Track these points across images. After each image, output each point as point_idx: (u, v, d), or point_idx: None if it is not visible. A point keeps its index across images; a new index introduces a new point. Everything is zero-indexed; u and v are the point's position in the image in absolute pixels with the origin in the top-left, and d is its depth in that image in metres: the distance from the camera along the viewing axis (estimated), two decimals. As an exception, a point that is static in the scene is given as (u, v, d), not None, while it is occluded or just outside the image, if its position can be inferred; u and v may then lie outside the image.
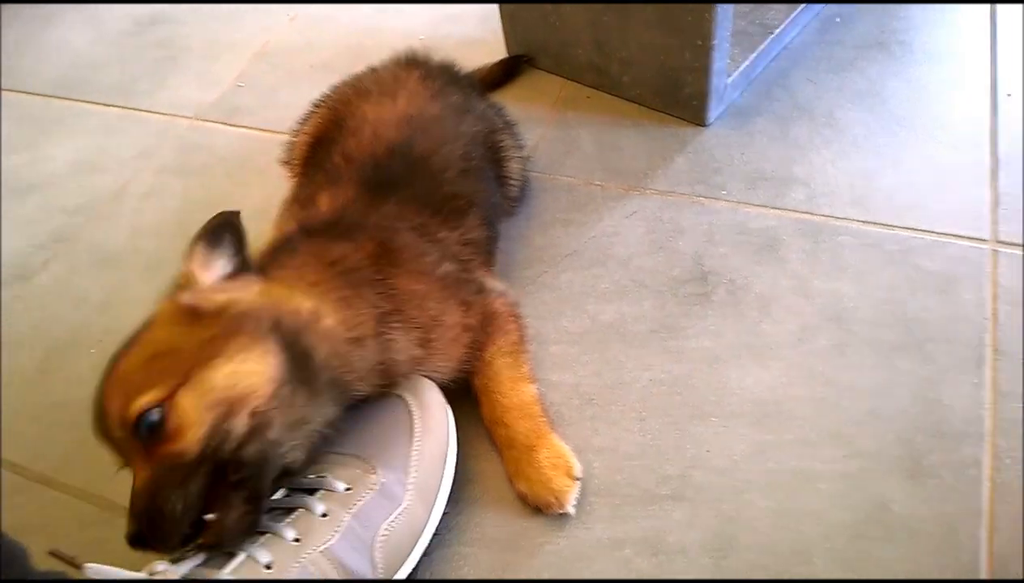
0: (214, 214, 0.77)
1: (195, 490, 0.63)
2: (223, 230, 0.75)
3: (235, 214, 0.77)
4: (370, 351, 0.77)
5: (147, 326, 0.71)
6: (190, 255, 0.74)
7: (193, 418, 0.64)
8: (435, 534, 0.78)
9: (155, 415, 0.63)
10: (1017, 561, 0.73)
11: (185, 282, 0.73)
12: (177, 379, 0.65)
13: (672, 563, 0.76)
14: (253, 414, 0.66)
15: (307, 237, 0.84)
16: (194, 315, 0.69)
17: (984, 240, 0.99)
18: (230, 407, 0.65)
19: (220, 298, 0.71)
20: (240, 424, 0.66)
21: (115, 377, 0.67)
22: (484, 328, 0.88)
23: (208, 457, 0.64)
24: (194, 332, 0.68)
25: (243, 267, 0.75)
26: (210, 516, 0.64)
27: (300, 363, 0.70)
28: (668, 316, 0.96)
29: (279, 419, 0.68)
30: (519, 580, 0.77)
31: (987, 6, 1.30)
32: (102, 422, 0.67)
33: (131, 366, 0.67)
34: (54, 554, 0.63)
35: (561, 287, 1.02)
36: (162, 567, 0.63)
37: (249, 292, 0.73)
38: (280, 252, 0.83)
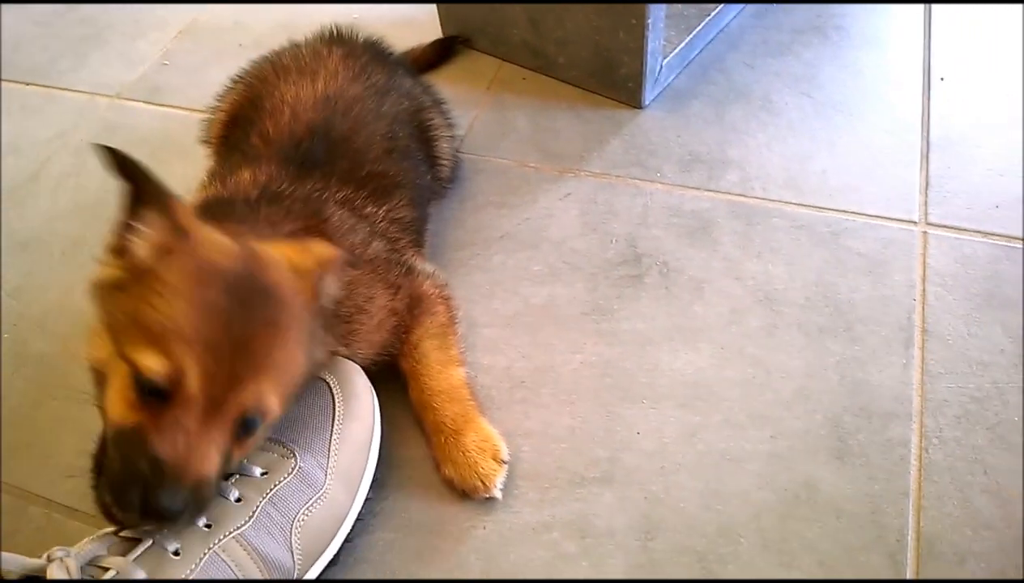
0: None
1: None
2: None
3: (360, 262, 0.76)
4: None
5: (299, 308, 0.66)
6: (329, 276, 0.70)
7: (261, 438, 0.67)
8: (359, 520, 0.75)
9: (259, 423, 0.64)
10: (944, 542, 0.73)
11: (314, 288, 0.68)
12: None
13: (600, 547, 0.75)
14: None
15: (251, 209, 0.79)
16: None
17: (915, 222, 1.00)
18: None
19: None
20: None
21: (279, 353, 0.63)
22: (411, 310, 0.85)
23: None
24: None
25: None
26: None
27: None
28: (601, 298, 0.95)
29: None
30: (499, 580, 0.75)
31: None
32: (230, 359, 0.59)
33: (288, 359, 0.64)
34: None
35: (493, 269, 1.00)
36: (61, 553, 0.59)
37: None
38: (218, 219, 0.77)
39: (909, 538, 0.74)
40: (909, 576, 0.72)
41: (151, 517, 0.58)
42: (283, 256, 0.67)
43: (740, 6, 1.30)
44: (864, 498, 0.77)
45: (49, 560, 0.58)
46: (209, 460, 0.60)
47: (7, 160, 1.27)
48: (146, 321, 0.59)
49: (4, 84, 1.43)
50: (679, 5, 1.23)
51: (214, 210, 0.78)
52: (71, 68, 1.44)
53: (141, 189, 0.64)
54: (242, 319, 0.60)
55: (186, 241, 0.63)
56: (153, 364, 0.58)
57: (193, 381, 0.58)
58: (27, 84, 1.42)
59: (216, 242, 0.65)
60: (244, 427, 0.62)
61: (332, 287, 0.70)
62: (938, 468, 0.79)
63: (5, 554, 0.58)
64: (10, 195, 1.20)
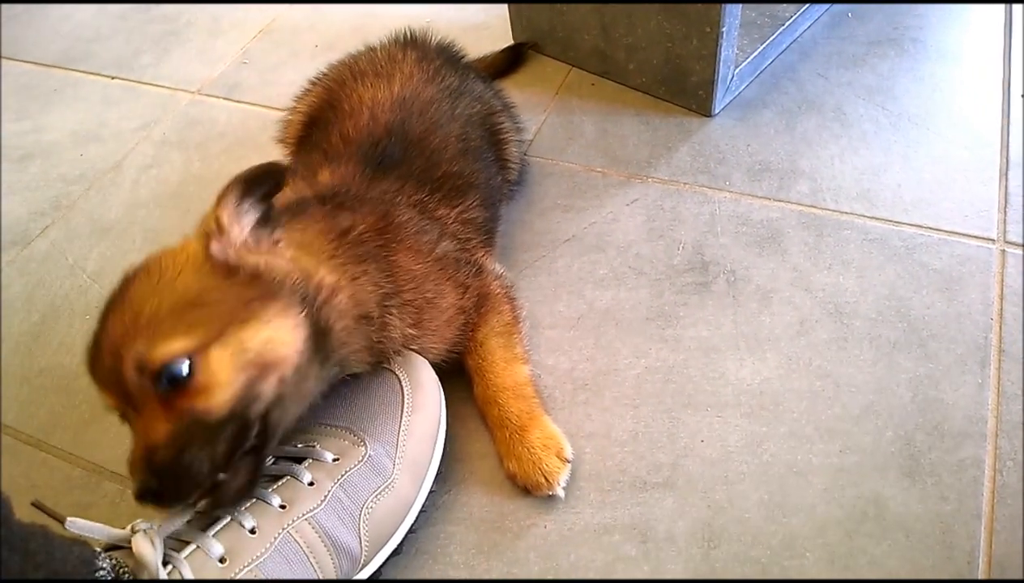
0: (257, 164, 0.71)
1: (222, 450, 0.62)
2: (261, 181, 0.70)
3: (280, 167, 0.72)
4: (371, 330, 0.76)
5: (169, 267, 0.66)
6: (222, 202, 0.68)
7: (225, 377, 0.62)
8: (421, 511, 0.76)
9: (183, 367, 0.60)
10: (1016, 565, 0.71)
11: (212, 229, 0.68)
12: (210, 334, 0.62)
13: (660, 552, 0.75)
14: (280, 381, 0.65)
15: (316, 203, 0.82)
16: (228, 271, 0.66)
17: (992, 240, 0.97)
18: (261, 371, 0.64)
19: (256, 260, 0.68)
20: (269, 389, 0.64)
21: (133, 317, 0.62)
22: (478, 308, 0.87)
23: (235, 418, 0.62)
24: (230, 289, 0.65)
25: (268, 221, 0.71)
26: (222, 476, 0.63)
27: (319, 337, 0.69)
28: (665, 304, 0.95)
29: (298, 388, 0.67)
30: (517, 581, 0.75)
31: (1002, 5, 1.28)
32: (104, 361, 0.62)
33: (155, 309, 0.62)
34: (36, 506, 0.62)
35: (559, 272, 1.00)
36: (144, 526, 0.62)
37: (283, 259, 0.70)
38: (292, 214, 0.80)
39: (980, 561, 0.72)
40: (981, 600, 0.70)
41: (143, 501, 0.60)
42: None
43: (814, 16, 1.29)
44: (934, 518, 0.75)
45: (133, 531, 0.61)
46: (148, 432, 0.61)
47: (90, 148, 1.33)
48: None
49: (88, 76, 1.50)
50: (752, 14, 1.22)
51: (291, 211, 0.81)
52: (152, 63, 1.50)
53: None
54: (102, 323, 0.64)
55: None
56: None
57: (106, 400, 0.64)
58: (110, 77, 1.49)
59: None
60: (168, 382, 0.60)
61: (235, 219, 0.69)
62: (1012, 491, 0.76)
63: (91, 523, 0.61)
64: (94, 182, 1.26)
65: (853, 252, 0.97)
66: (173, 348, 0.60)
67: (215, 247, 0.67)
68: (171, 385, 0.60)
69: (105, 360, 0.62)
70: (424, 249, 0.84)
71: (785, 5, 1.24)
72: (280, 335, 0.65)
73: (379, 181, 0.88)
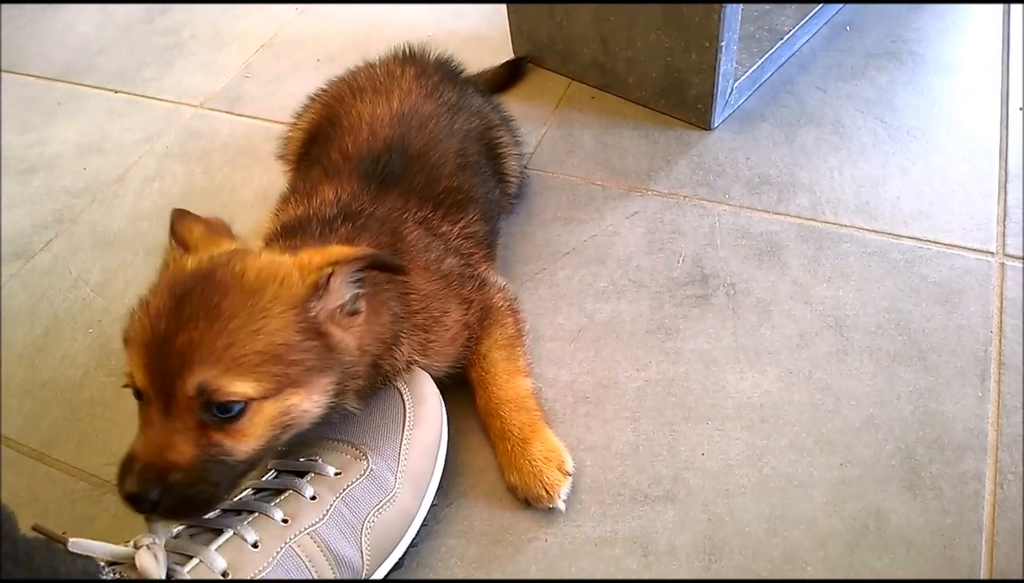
0: (388, 260, 0.73)
1: (224, 489, 0.64)
2: (384, 266, 0.72)
3: (404, 264, 0.74)
4: (379, 373, 0.77)
5: (267, 294, 0.65)
6: (340, 267, 0.68)
7: (262, 430, 0.65)
8: (423, 525, 0.77)
9: (237, 408, 0.62)
10: (1017, 579, 0.72)
11: (320, 287, 0.67)
12: (274, 389, 0.64)
13: (662, 564, 0.75)
14: (289, 437, 0.69)
15: (327, 227, 0.82)
16: (315, 334, 0.66)
17: (991, 253, 0.97)
18: (285, 429, 0.67)
19: (337, 334, 0.68)
20: (279, 443, 0.68)
21: (218, 335, 0.62)
22: (481, 322, 0.87)
23: (247, 464, 0.66)
24: (306, 353, 0.66)
25: (355, 306, 0.71)
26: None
27: (342, 391, 0.71)
28: (666, 317, 0.95)
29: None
30: (513, 581, 0.76)
31: (1000, 14, 1.29)
32: (167, 355, 0.62)
33: (245, 342, 0.63)
34: (37, 529, 0.62)
35: (559, 284, 1.01)
36: (147, 540, 0.62)
37: (353, 337, 0.71)
38: (306, 240, 0.80)
39: (981, 574, 0.72)
40: (982, 614, 0.70)
41: (130, 503, 0.61)
42: (290, 258, 0.68)
43: (813, 30, 1.30)
44: (935, 531, 0.75)
45: (136, 547, 0.61)
46: (173, 448, 0.62)
47: (93, 160, 1.33)
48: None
49: (91, 89, 1.51)
50: (751, 28, 1.23)
51: (294, 229, 0.82)
52: (156, 76, 1.51)
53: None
54: (174, 316, 0.63)
55: (180, 256, 0.70)
56: (127, 369, 0.65)
57: (140, 380, 0.63)
58: (113, 90, 1.50)
59: (206, 253, 0.69)
60: (218, 411, 0.62)
61: (341, 286, 0.69)
62: (1012, 504, 0.76)
63: (94, 543, 0.61)
64: (97, 195, 1.26)
65: (852, 265, 0.98)
66: (244, 391, 0.62)
67: (313, 305, 0.67)
68: (217, 418, 0.62)
69: (167, 355, 0.62)
70: (432, 267, 0.84)
71: (784, 19, 1.25)
72: (314, 405, 0.68)
73: (384, 197, 0.88)
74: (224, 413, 0.62)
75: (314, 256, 0.68)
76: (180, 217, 0.75)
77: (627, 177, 1.14)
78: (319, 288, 0.67)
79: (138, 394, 0.65)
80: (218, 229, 0.75)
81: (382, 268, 0.72)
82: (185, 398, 0.62)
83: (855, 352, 0.89)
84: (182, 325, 0.62)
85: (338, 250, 0.69)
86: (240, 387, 0.62)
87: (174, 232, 0.73)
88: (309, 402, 0.67)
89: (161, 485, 0.61)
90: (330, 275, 0.67)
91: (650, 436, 0.85)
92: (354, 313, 0.71)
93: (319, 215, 0.84)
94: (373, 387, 0.78)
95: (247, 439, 0.64)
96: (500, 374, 0.84)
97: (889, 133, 1.14)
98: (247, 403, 0.63)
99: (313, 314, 0.66)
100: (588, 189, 1.13)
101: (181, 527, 0.66)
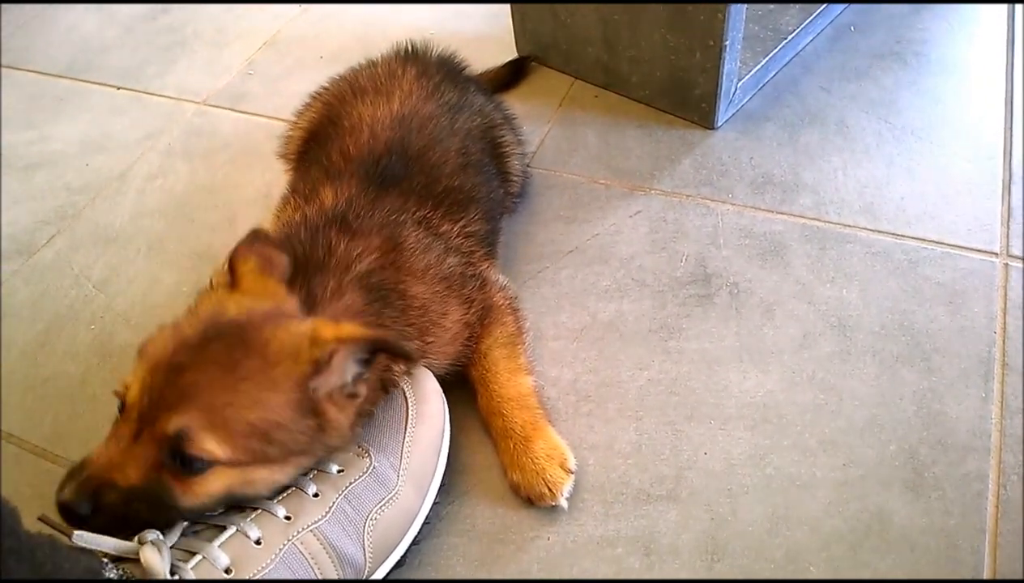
0: (395, 339, 0.72)
1: (163, 519, 0.65)
2: (392, 350, 0.71)
3: (413, 351, 0.74)
4: (378, 391, 0.76)
5: (279, 363, 0.65)
6: (346, 344, 0.66)
7: (215, 490, 0.64)
8: (425, 523, 0.76)
9: (202, 464, 0.62)
10: (1020, 577, 0.71)
11: (323, 361, 0.66)
12: (245, 461, 0.64)
13: (664, 564, 0.75)
14: (246, 498, 0.68)
15: (323, 237, 0.81)
16: (309, 412, 0.66)
17: (995, 254, 0.97)
18: (244, 492, 0.66)
19: (332, 414, 0.68)
20: (230, 501, 0.67)
21: (221, 391, 0.63)
22: (482, 320, 0.87)
23: (191, 512, 0.66)
24: (292, 432, 0.65)
25: (355, 389, 0.70)
26: None
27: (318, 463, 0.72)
28: (668, 316, 0.95)
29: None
30: (516, 580, 0.76)
31: (1004, 15, 1.29)
32: (165, 384, 0.63)
33: (239, 404, 0.63)
34: (43, 520, 0.63)
35: (561, 283, 1.01)
36: (152, 536, 0.62)
37: (347, 417, 0.69)
38: (303, 261, 0.79)
39: (984, 575, 0.72)
40: (986, 615, 0.70)
41: (60, 512, 0.62)
42: (309, 326, 0.67)
43: (817, 30, 1.30)
44: (939, 532, 0.75)
45: (140, 542, 0.61)
46: (122, 468, 0.63)
47: (95, 157, 1.33)
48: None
49: (93, 86, 1.51)
50: (755, 28, 1.23)
51: (296, 248, 0.80)
52: (158, 73, 1.51)
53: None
54: (194, 352, 0.64)
55: (230, 289, 0.70)
56: (126, 379, 0.65)
57: (132, 394, 0.64)
58: (115, 87, 1.49)
59: (248, 296, 0.69)
60: (183, 461, 0.62)
61: (343, 365, 0.67)
62: (1016, 505, 0.76)
63: (98, 536, 0.61)
64: (99, 192, 1.26)
65: (856, 265, 0.98)
66: (215, 452, 0.62)
67: (315, 381, 0.66)
68: (175, 464, 0.63)
69: (171, 386, 0.62)
70: (431, 269, 0.84)
71: (788, 19, 1.25)
72: (280, 480, 0.68)
73: (383, 199, 0.88)
74: (184, 465, 0.62)
75: (324, 329, 0.67)
76: (249, 243, 0.73)
77: (630, 176, 1.14)
78: (321, 364, 0.66)
79: (122, 407, 0.65)
80: (273, 267, 0.73)
81: (389, 352, 0.71)
82: (161, 432, 0.62)
83: (858, 352, 0.89)
84: (197, 365, 0.63)
85: (347, 329, 0.67)
86: (213, 447, 0.62)
87: (232, 260, 0.72)
88: (280, 475, 0.67)
89: (94, 502, 0.62)
90: (333, 353, 0.66)
91: (652, 435, 0.84)
92: (353, 396, 0.69)
93: (315, 225, 0.83)
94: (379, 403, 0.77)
95: (194, 495, 0.64)
96: (501, 372, 0.84)
97: (893, 134, 1.14)
98: (212, 463, 0.63)
99: (312, 391, 0.66)
100: (591, 188, 1.13)
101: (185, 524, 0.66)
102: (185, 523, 0.66)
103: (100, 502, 0.62)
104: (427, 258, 0.84)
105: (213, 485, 0.64)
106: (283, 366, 0.65)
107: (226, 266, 0.73)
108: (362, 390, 0.70)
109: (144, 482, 0.63)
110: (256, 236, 0.75)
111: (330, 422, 0.67)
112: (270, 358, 0.65)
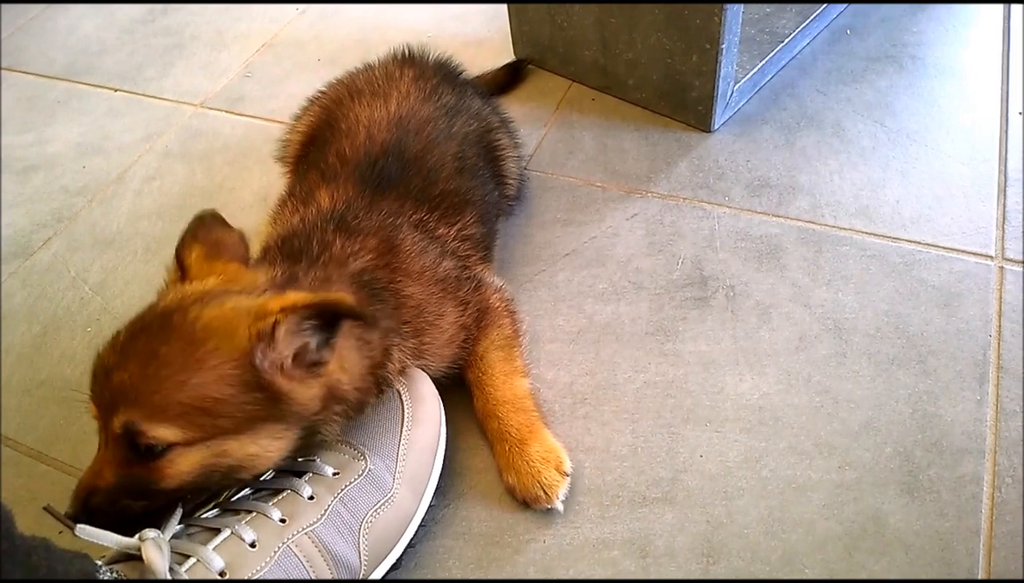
0: (337, 297, 0.69)
1: (156, 505, 0.66)
2: (327, 314, 0.68)
3: (364, 311, 0.71)
4: (370, 384, 0.75)
5: (210, 349, 0.64)
6: (287, 314, 0.64)
7: (187, 469, 0.65)
8: (421, 525, 0.76)
9: (158, 449, 0.63)
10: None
11: (266, 335, 0.64)
12: (200, 436, 0.64)
13: (660, 567, 0.75)
14: (240, 478, 0.68)
15: (319, 235, 0.81)
16: (257, 385, 0.64)
17: (991, 257, 0.97)
18: (229, 469, 0.67)
19: (286, 386, 0.66)
20: (224, 480, 0.68)
21: (149, 380, 0.63)
22: (478, 323, 0.87)
23: (175, 493, 0.66)
24: (245, 403, 0.64)
25: (318, 362, 0.68)
26: None
27: (303, 440, 0.70)
28: (665, 319, 0.95)
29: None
30: (510, 581, 0.76)
31: (999, 18, 1.30)
32: (105, 392, 0.64)
33: (171, 391, 0.63)
34: (48, 510, 0.64)
35: (558, 286, 1.01)
36: (153, 534, 0.62)
37: (311, 389, 0.68)
38: (297, 255, 0.79)
39: (979, 577, 0.72)
40: (980, 618, 0.70)
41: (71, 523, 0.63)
42: (258, 301, 0.66)
43: (814, 33, 1.30)
44: (933, 535, 0.75)
45: (142, 539, 0.61)
46: (101, 473, 0.65)
47: (93, 160, 1.33)
48: None
49: (91, 88, 1.51)
50: (752, 31, 1.23)
51: (291, 245, 0.81)
52: (156, 76, 1.51)
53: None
54: (120, 352, 0.65)
55: (180, 283, 0.71)
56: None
57: (92, 408, 0.66)
58: (113, 89, 1.50)
59: (199, 283, 0.70)
60: (145, 452, 0.63)
61: (291, 335, 0.65)
62: (1011, 508, 0.76)
63: (101, 531, 0.61)
64: (97, 194, 1.26)
65: (852, 268, 0.98)
66: (164, 436, 0.63)
67: (259, 358, 0.64)
68: (138, 454, 0.64)
69: (106, 391, 0.64)
70: (427, 271, 0.84)
71: (784, 22, 1.25)
72: (264, 451, 0.67)
73: (379, 201, 0.88)
74: (146, 453, 0.64)
75: (271, 302, 0.65)
76: (192, 232, 0.74)
77: (627, 179, 1.14)
78: (263, 338, 0.64)
79: (98, 427, 0.67)
80: (222, 248, 0.74)
81: (342, 315, 0.67)
82: (114, 433, 0.64)
83: (854, 355, 0.89)
84: (122, 364, 0.64)
85: (292, 297, 0.66)
86: (162, 432, 0.62)
87: (177, 254, 0.73)
88: (255, 446, 0.66)
89: (86, 506, 0.65)
90: (276, 323, 0.64)
91: (649, 438, 0.85)
92: (316, 364, 0.67)
93: (312, 224, 0.84)
94: (371, 400, 0.77)
95: (167, 478, 0.65)
96: (497, 375, 0.84)
97: (889, 137, 1.14)
98: (169, 446, 0.63)
99: (257, 365, 0.64)
100: (588, 191, 1.13)
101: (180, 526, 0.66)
102: (180, 513, 0.66)
103: (90, 506, 0.65)
104: (423, 260, 0.85)
105: (182, 464, 0.64)
106: (211, 343, 0.64)
107: (173, 261, 0.74)
108: (327, 357, 0.68)
109: (118, 478, 0.65)
110: (200, 223, 0.75)
111: (285, 395, 0.66)
112: (192, 338, 0.64)
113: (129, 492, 0.65)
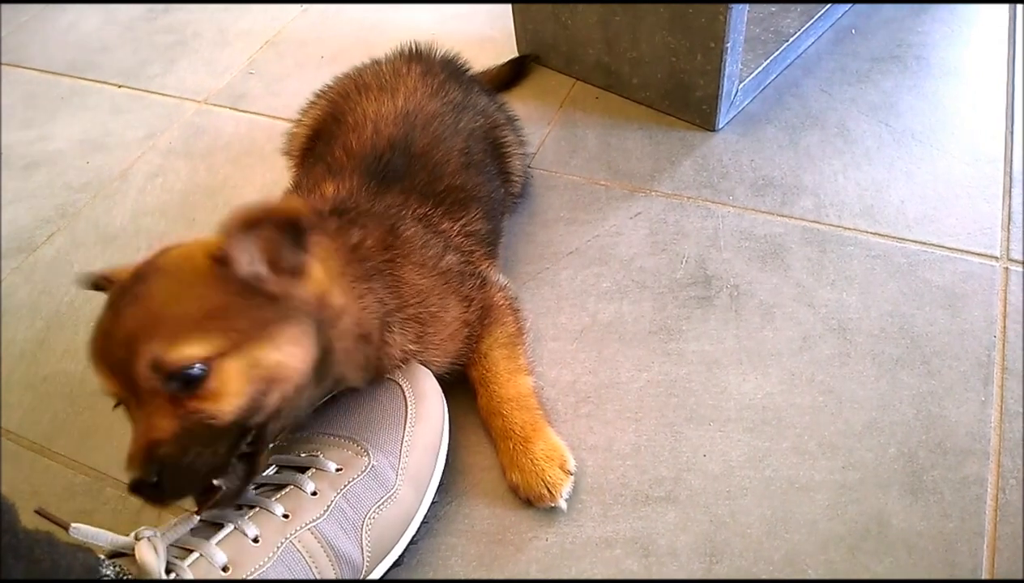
0: (270, 207, 0.68)
1: (222, 454, 0.63)
2: (299, 230, 0.67)
3: (296, 217, 0.69)
4: (371, 348, 0.76)
5: (187, 272, 0.65)
6: (227, 237, 0.64)
7: (235, 387, 0.63)
8: (423, 522, 0.76)
9: (198, 371, 0.61)
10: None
11: (220, 257, 0.65)
12: (227, 345, 0.62)
13: (663, 566, 0.75)
14: (282, 397, 0.66)
15: (321, 217, 0.81)
16: (248, 289, 0.65)
17: (995, 257, 0.97)
18: (268, 386, 0.65)
19: (277, 287, 0.66)
20: (271, 403, 0.66)
21: (151, 315, 0.62)
22: (482, 320, 0.87)
23: (237, 426, 0.64)
24: (250, 306, 0.65)
25: (295, 249, 0.68)
26: (217, 481, 0.64)
27: (323, 356, 0.70)
28: (668, 318, 0.95)
29: (294, 402, 0.68)
30: (513, 580, 0.76)
31: (1005, 19, 1.29)
32: (114, 352, 0.62)
33: (176, 312, 0.63)
34: (40, 513, 0.62)
35: (561, 284, 1.01)
36: (148, 533, 0.62)
37: (305, 289, 0.68)
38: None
39: (982, 578, 0.72)
40: (984, 619, 0.70)
41: (139, 494, 0.61)
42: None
43: (818, 32, 1.30)
44: (937, 536, 0.75)
45: (136, 538, 0.61)
46: (154, 428, 0.61)
47: (96, 156, 1.33)
48: None
49: (94, 84, 1.51)
50: (757, 30, 1.23)
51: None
52: (159, 73, 1.51)
53: None
54: (114, 317, 0.64)
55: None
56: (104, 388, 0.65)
57: (111, 387, 0.64)
58: (116, 86, 1.50)
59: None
60: (182, 382, 0.61)
61: (246, 254, 0.65)
62: (1014, 509, 0.76)
63: (95, 529, 0.61)
64: (99, 190, 1.26)
65: (856, 268, 0.98)
66: (192, 352, 0.61)
67: (241, 267, 0.65)
68: (183, 386, 0.61)
69: (115, 351, 0.62)
70: (429, 263, 0.84)
71: (789, 21, 1.25)
72: (290, 358, 0.66)
73: (384, 194, 0.88)
74: (188, 381, 0.61)
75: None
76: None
77: (631, 178, 1.14)
78: (221, 260, 0.65)
79: (118, 401, 0.65)
80: None
81: (279, 221, 0.66)
82: (145, 381, 0.61)
83: (858, 355, 0.89)
84: (120, 322, 0.63)
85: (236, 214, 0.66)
86: (187, 350, 0.61)
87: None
88: (281, 353, 0.65)
89: (154, 463, 0.60)
90: (222, 248, 0.64)
91: (652, 437, 0.84)
92: (295, 271, 0.68)
93: (316, 208, 0.83)
94: (373, 370, 0.77)
95: (225, 397, 0.62)
96: (501, 373, 0.84)
97: (893, 137, 1.14)
98: (207, 364, 0.62)
99: (246, 276, 0.65)
100: (591, 189, 1.13)
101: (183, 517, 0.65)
102: (189, 525, 0.65)
103: (160, 461, 0.61)
104: (425, 252, 0.85)
105: (228, 380, 0.62)
106: (186, 267, 0.65)
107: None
108: (301, 261, 0.68)
109: (176, 419, 0.62)
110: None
111: (279, 295, 0.66)
112: (167, 270, 0.65)
113: (193, 435, 0.62)
